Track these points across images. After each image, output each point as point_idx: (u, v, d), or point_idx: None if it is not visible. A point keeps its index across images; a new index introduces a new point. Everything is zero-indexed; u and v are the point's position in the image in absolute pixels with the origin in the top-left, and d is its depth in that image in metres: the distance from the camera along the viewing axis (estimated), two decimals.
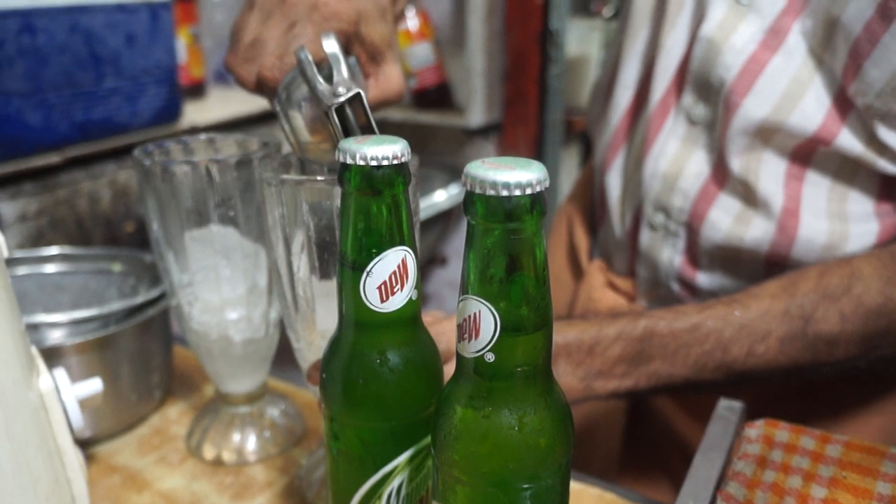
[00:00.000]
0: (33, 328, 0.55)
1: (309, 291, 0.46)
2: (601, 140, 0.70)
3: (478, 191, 0.29)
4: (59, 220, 0.97)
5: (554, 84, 1.43)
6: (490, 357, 0.31)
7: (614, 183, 0.68)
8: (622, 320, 0.53)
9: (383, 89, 0.48)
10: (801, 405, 0.61)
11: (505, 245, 0.30)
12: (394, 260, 0.35)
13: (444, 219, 1.48)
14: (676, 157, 0.61)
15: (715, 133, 0.59)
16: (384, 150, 0.34)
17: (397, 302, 0.35)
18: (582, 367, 0.52)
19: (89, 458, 0.57)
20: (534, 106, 1.43)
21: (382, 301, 0.35)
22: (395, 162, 0.34)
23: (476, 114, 1.41)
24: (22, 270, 0.65)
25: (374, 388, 0.36)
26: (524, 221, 0.29)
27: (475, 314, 0.30)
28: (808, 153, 0.56)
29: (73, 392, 0.46)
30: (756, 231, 0.57)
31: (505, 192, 0.28)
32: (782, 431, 0.46)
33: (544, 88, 1.42)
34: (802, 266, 0.54)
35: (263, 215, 0.46)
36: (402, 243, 0.35)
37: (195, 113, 1.18)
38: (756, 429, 0.46)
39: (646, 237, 0.64)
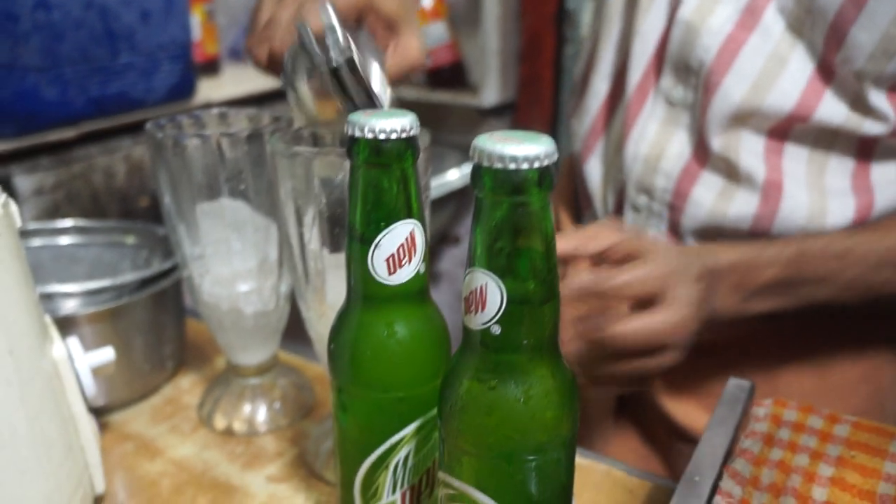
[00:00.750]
0: (47, 298, 0.56)
1: (320, 264, 0.46)
2: (580, 129, 0.70)
3: (485, 164, 0.29)
4: (75, 194, 0.98)
5: (569, 64, 1.41)
6: (496, 329, 0.31)
7: (595, 169, 0.68)
8: (777, 245, 0.55)
9: (401, 58, 0.49)
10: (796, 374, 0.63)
11: (512, 219, 0.29)
12: (402, 233, 0.35)
13: (456, 198, 1.48)
14: (657, 139, 0.61)
15: (695, 113, 0.59)
16: (392, 122, 0.34)
17: (405, 275, 0.36)
18: (739, 289, 0.54)
19: (103, 427, 0.57)
20: (549, 86, 1.42)
21: (390, 273, 0.35)
22: (404, 135, 0.34)
23: (490, 93, 1.40)
24: (37, 242, 0.65)
25: (382, 359, 0.37)
26: (531, 195, 0.29)
27: (482, 286, 0.30)
28: (785, 129, 0.57)
29: (86, 360, 0.46)
30: (739, 206, 0.59)
31: (513, 165, 0.28)
32: (790, 410, 0.46)
33: (559, 69, 1.41)
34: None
35: (275, 188, 0.46)
36: (410, 216, 0.35)
37: (209, 90, 1.18)
38: (764, 407, 0.46)
39: (629, 219, 0.65)
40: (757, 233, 0.59)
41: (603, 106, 0.68)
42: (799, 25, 0.55)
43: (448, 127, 1.51)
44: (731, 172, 0.58)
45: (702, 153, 0.60)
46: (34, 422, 0.40)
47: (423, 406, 0.38)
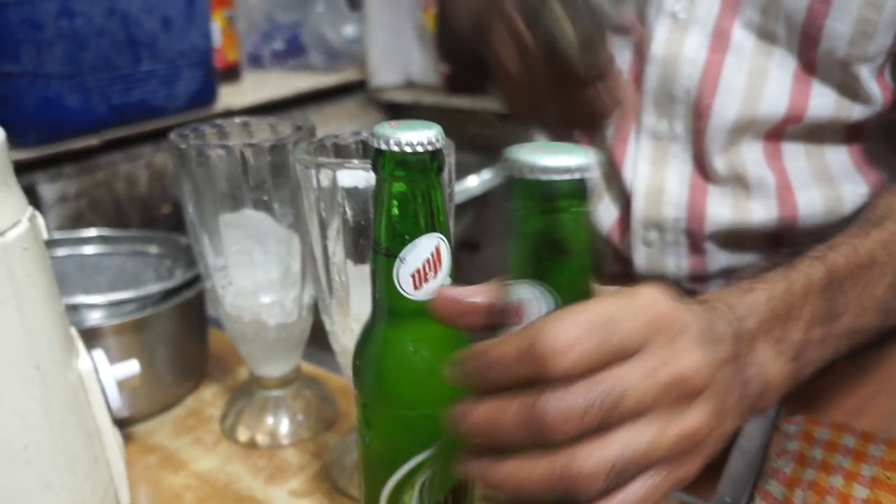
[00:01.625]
0: (72, 309, 0.56)
1: (344, 276, 0.46)
2: None
3: (528, 176, 0.28)
4: (98, 202, 0.99)
5: None
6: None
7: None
8: (801, 268, 0.44)
9: None
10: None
11: (549, 230, 0.29)
12: (427, 247, 0.35)
13: (476, 204, 1.48)
14: (653, 176, 0.61)
15: (687, 141, 0.60)
16: (418, 135, 0.33)
17: (431, 289, 0.35)
18: (784, 344, 0.41)
19: (126, 438, 0.58)
20: None
21: (416, 288, 0.35)
22: (430, 148, 0.34)
23: None
24: (62, 252, 0.66)
25: (407, 376, 0.36)
26: (569, 206, 0.29)
27: (521, 300, 0.30)
28: (779, 131, 0.58)
29: (111, 373, 0.47)
30: (760, 212, 0.58)
31: (554, 177, 0.28)
32: (822, 429, 0.45)
33: None
34: (809, 236, 0.52)
35: (298, 199, 0.46)
36: (435, 230, 0.35)
37: (230, 96, 1.19)
38: (795, 425, 0.45)
39: (641, 255, 0.64)
40: (783, 231, 0.59)
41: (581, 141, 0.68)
42: (770, 35, 0.56)
43: (468, 132, 1.51)
44: (741, 184, 0.59)
45: (704, 175, 0.60)
46: (60, 435, 0.40)
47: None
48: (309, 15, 1.48)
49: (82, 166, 0.97)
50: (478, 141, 1.50)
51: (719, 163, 0.59)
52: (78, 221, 0.96)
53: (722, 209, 0.60)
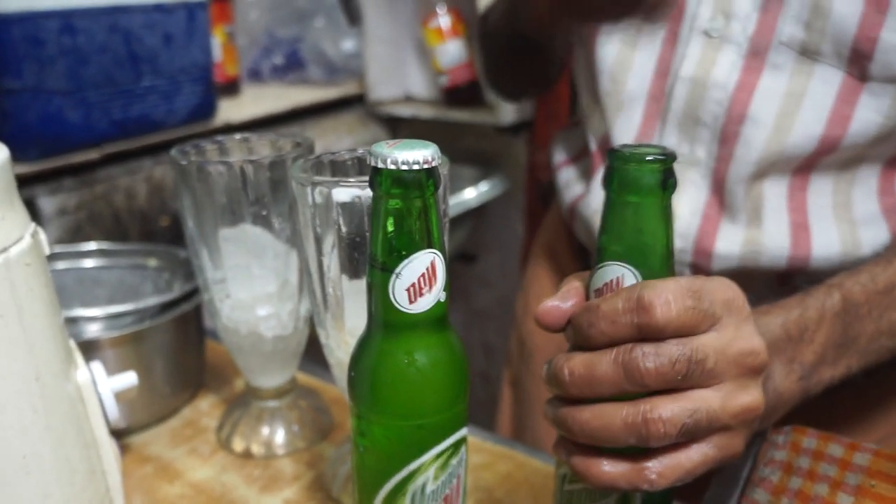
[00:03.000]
0: (72, 322, 0.57)
1: (339, 290, 0.46)
2: (569, 185, 0.70)
3: (633, 166, 0.35)
4: (97, 215, 0.99)
5: None
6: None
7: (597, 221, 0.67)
8: (817, 295, 0.46)
9: None
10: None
11: (639, 215, 0.35)
12: (423, 263, 0.35)
13: (473, 216, 1.49)
14: None
15: (706, 168, 0.58)
16: (415, 154, 0.34)
17: (426, 303, 0.36)
18: (795, 364, 0.44)
19: (123, 449, 0.58)
20: (565, 104, 1.43)
21: (411, 302, 0.36)
22: (426, 166, 0.34)
23: (507, 111, 1.41)
24: (61, 265, 0.67)
25: (402, 387, 0.37)
26: (657, 194, 0.35)
27: (617, 278, 0.36)
28: (810, 164, 0.55)
29: (109, 385, 0.47)
30: (771, 251, 0.56)
31: (645, 166, 0.35)
32: (810, 438, 0.46)
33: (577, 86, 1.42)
34: (822, 277, 0.51)
35: (295, 214, 0.47)
36: (431, 246, 0.36)
37: (229, 110, 1.20)
38: (783, 434, 0.46)
39: None
40: (793, 272, 0.57)
41: (594, 162, 0.66)
42: (813, 51, 0.53)
43: (465, 145, 1.52)
44: (754, 220, 0.57)
45: (718, 207, 0.58)
46: (59, 447, 0.41)
47: (442, 433, 0.38)
48: (308, 30, 1.50)
49: (82, 179, 0.98)
50: (475, 153, 1.51)
51: (739, 193, 0.56)
52: (77, 234, 0.97)
53: (732, 245, 0.57)
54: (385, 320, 0.37)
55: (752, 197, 0.57)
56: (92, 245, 0.68)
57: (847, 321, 0.46)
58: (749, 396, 0.36)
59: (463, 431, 0.39)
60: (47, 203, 0.93)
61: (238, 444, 0.58)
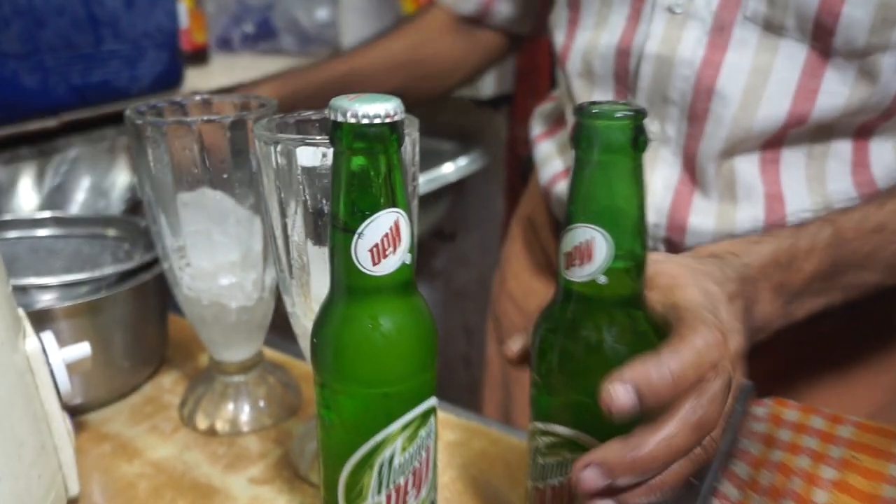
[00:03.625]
0: (22, 290, 0.55)
1: (304, 256, 0.45)
2: (548, 160, 0.71)
3: (601, 122, 0.34)
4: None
5: None
6: (603, 279, 0.35)
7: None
8: (810, 228, 0.50)
9: None
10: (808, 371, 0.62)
11: (608, 174, 0.35)
12: (386, 222, 0.35)
13: (451, 191, 1.48)
14: None
15: (677, 145, 0.59)
16: (376, 107, 0.33)
17: (390, 265, 0.35)
18: (781, 290, 0.48)
19: (80, 426, 0.57)
20: (546, 77, 1.42)
21: (374, 264, 0.35)
22: (388, 120, 0.34)
23: (488, 84, 1.40)
24: (13, 234, 0.65)
25: (366, 353, 0.36)
26: (627, 152, 0.34)
27: (587, 241, 0.35)
28: (780, 138, 0.56)
29: (60, 355, 0.46)
30: (745, 223, 0.57)
31: (615, 122, 0.34)
32: (791, 410, 0.46)
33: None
34: None
35: (259, 177, 0.46)
36: (394, 205, 0.35)
37: (197, 79, 1.18)
38: (764, 407, 0.46)
39: None
40: None
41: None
42: (777, 27, 0.54)
43: (443, 118, 1.51)
44: (728, 192, 0.58)
45: (691, 181, 0.59)
46: (3, 419, 0.40)
47: (409, 402, 0.37)
48: None
49: (39, 149, 0.96)
50: (453, 128, 1.50)
51: (711, 169, 0.57)
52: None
53: (705, 218, 0.58)
54: (348, 284, 0.36)
55: (724, 172, 0.57)
56: (46, 213, 0.67)
57: (836, 255, 0.49)
58: (739, 380, 0.39)
59: (432, 401, 0.38)
60: (2, 173, 0.91)
61: (201, 422, 0.57)
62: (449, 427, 0.56)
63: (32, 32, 0.92)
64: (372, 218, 0.34)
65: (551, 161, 0.70)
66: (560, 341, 0.38)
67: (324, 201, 0.43)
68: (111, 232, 0.66)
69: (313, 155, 0.42)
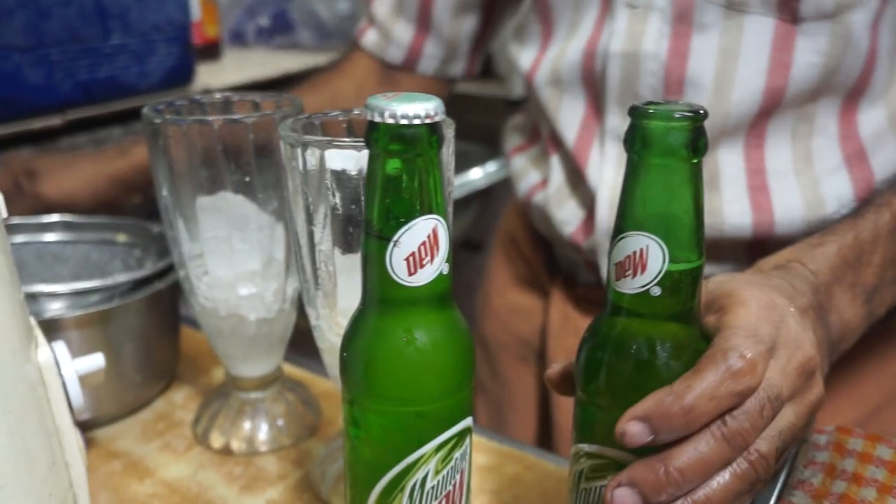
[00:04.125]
0: (31, 298, 0.57)
1: (331, 266, 0.47)
2: (524, 174, 0.73)
3: (657, 123, 0.35)
4: None
5: None
6: (657, 291, 0.36)
7: (559, 212, 0.68)
8: (868, 216, 0.51)
9: None
10: None
11: (666, 181, 0.36)
12: (424, 229, 0.35)
13: (479, 199, 1.49)
14: (616, 182, 0.62)
15: None
16: (415, 107, 0.34)
17: (427, 275, 0.36)
18: (857, 288, 0.49)
19: (89, 443, 0.58)
20: None
21: (410, 274, 0.36)
22: (428, 121, 0.34)
23: (519, 82, 1.41)
24: (20, 238, 0.67)
25: (399, 369, 0.37)
26: (684, 156, 0.35)
27: (641, 250, 0.36)
28: (763, 121, 0.59)
29: (73, 367, 0.47)
30: (733, 217, 0.59)
31: (672, 123, 0.35)
32: (856, 439, 0.46)
33: None
34: (789, 243, 0.56)
35: (284, 181, 0.47)
36: (433, 211, 0.36)
37: (209, 75, 1.20)
38: (826, 435, 0.46)
39: (605, 266, 0.65)
40: (759, 238, 0.60)
41: (548, 147, 0.69)
42: (740, 3, 0.56)
43: (472, 120, 1.52)
44: (713, 190, 0.60)
45: None
46: (16, 432, 0.41)
47: (444, 421, 0.38)
48: None
49: (43, 148, 0.98)
50: (481, 130, 1.51)
51: None
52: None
53: None
54: (381, 294, 0.37)
55: (708, 166, 0.59)
56: (54, 217, 0.68)
57: None
58: (815, 393, 0.40)
59: (467, 421, 0.39)
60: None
61: (216, 440, 0.58)
62: (480, 450, 0.57)
63: (37, 24, 0.94)
64: (409, 225, 0.35)
65: (527, 173, 0.73)
66: (609, 357, 0.38)
67: (354, 207, 0.44)
68: (122, 237, 0.68)
69: (344, 157, 0.43)
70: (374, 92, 0.57)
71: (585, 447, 0.40)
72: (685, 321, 0.38)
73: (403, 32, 0.80)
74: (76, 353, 0.52)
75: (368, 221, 0.36)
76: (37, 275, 0.66)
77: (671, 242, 0.36)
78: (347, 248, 0.46)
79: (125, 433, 0.60)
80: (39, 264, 0.67)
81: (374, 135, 0.35)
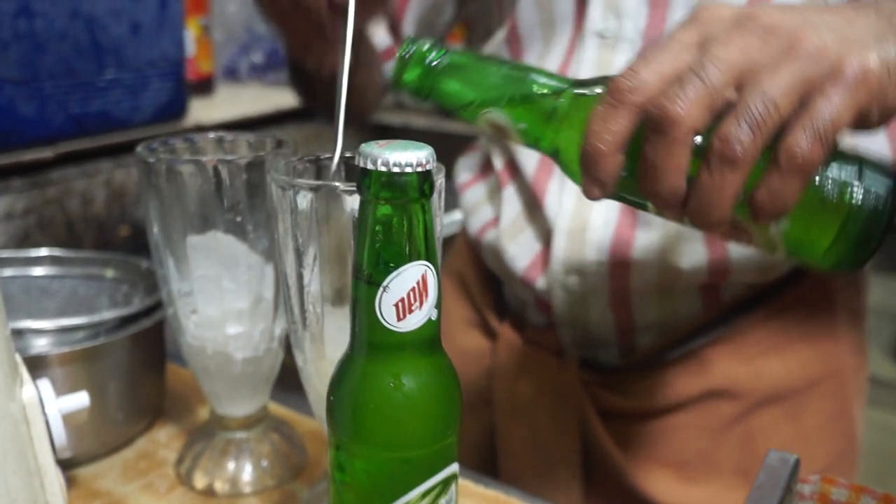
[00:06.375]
0: (16, 334, 0.57)
1: (319, 308, 0.47)
2: (476, 209, 0.72)
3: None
4: (48, 220, 0.99)
5: None
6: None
7: (511, 248, 0.68)
8: None
9: None
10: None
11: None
12: (413, 275, 0.36)
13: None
14: (578, 212, 0.62)
15: None
16: (408, 156, 0.35)
17: (415, 321, 0.36)
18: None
19: (70, 482, 0.58)
20: None
21: (399, 319, 0.36)
22: (420, 169, 0.35)
23: None
24: (6, 272, 0.67)
25: (387, 414, 0.37)
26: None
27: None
28: None
29: (57, 405, 0.47)
30: (690, 256, 0.59)
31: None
32: (840, 489, 0.46)
33: None
34: (739, 286, 0.57)
35: (274, 222, 0.47)
36: (422, 258, 0.36)
37: (201, 110, 1.21)
38: (810, 484, 0.46)
39: (561, 303, 0.64)
40: (714, 282, 0.61)
41: (501, 180, 0.69)
42: None
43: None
44: (668, 224, 0.59)
45: (631, 214, 0.61)
46: None
47: (430, 468, 0.38)
48: None
49: (33, 181, 0.98)
50: None
51: None
52: (24, 241, 0.97)
53: (650, 256, 0.60)
54: (370, 339, 0.37)
55: None
56: (42, 251, 0.68)
57: None
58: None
59: (453, 467, 0.39)
60: None
61: (199, 481, 0.58)
62: (466, 495, 0.57)
63: (32, 58, 0.95)
64: (398, 271, 0.36)
65: (480, 209, 0.72)
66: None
67: (343, 250, 0.45)
68: (110, 273, 0.68)
69: (335, 200, 0.44)
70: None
71: None
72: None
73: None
74: (60, 390, 0.51)
75: (358, 266, 0.37)
76: (23, 309, 0.65)
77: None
78: (336, 290, 0.46)
79: (106, 472, 0.59)
80: (26, 298, 0.67)
81: (367, 181, 0.36)
